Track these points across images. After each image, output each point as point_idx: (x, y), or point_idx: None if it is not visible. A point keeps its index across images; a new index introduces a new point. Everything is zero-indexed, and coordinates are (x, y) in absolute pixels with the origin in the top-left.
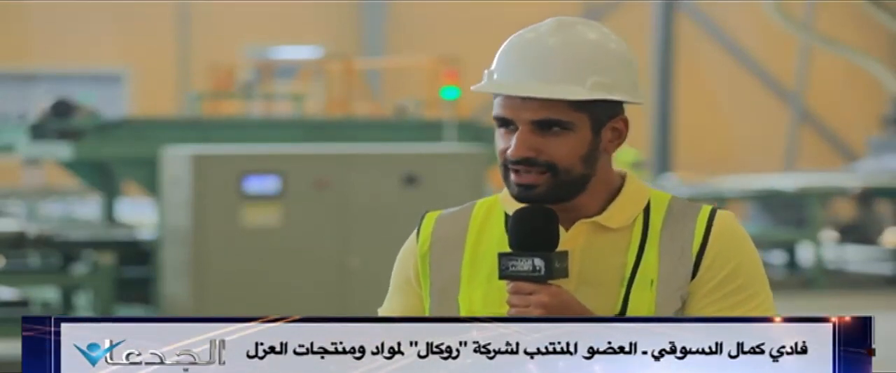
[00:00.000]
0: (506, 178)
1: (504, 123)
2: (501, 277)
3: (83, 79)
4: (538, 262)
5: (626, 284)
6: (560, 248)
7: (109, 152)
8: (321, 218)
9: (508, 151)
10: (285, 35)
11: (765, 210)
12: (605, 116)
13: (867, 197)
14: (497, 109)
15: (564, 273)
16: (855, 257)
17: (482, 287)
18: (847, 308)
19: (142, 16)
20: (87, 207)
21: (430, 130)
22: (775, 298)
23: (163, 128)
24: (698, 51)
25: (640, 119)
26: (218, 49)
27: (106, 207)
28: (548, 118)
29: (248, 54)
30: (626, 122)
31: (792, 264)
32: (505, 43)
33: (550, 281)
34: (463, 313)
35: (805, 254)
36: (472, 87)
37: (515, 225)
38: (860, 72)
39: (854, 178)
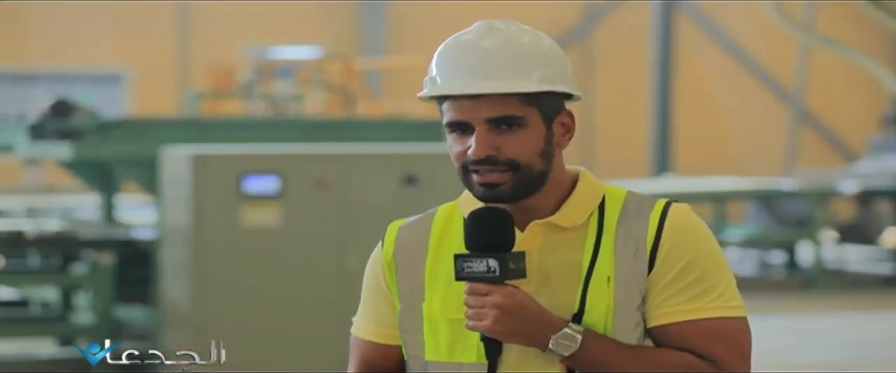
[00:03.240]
0: (467, 180)
1: (459, 126)
2: (457, 278)
3: (83, 79)
4: (492, 263)
5: (582, 282)
6: (517, 249)
7: (109, 152)
8: (321, 218)
9: (469, 152)
10: (285, 35)
11: (765, 210)
12: (552, 111)
13: (867, 197)
14: (449, 115)
15: (522, 274)
16: (855, 257)
17: (441, 292)
18: (847, 308)
19: (142, 16)
20: (87, 208)
21: (430, 130)
22: (775, 298)
23: (162, 128)
24: (698, 51)
25: (639, 118)
26: (218, 49)
27: (106, 207)
28: (503, 115)
29: (248, 54)
30: (572, 116)
31: (792, 264)
32: (439, 50)
33: (508, 281)
34: (425, 320)
35: (805, 254)
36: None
37: (470, 226)
38: (860, 72)
39: (854, 178)
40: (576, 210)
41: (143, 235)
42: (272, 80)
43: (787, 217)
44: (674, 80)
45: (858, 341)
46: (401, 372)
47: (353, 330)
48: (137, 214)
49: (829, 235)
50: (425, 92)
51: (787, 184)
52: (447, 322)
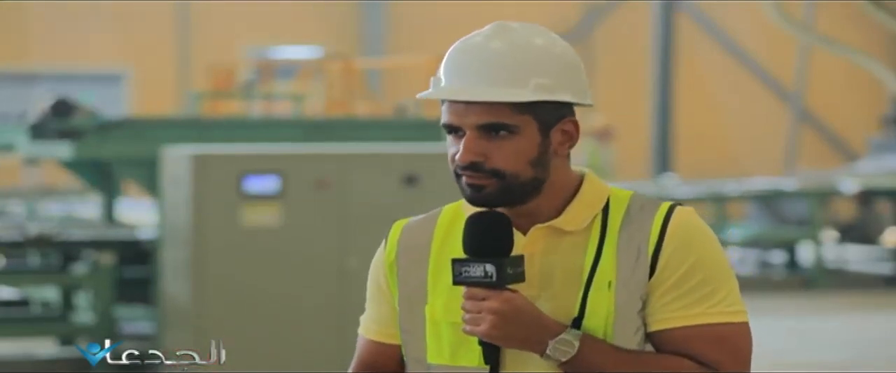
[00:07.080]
0: (458, 182)
1: (452, 129)
2: (455, 283)
3: (83, 79)
4: (490, 268)
5: (583, 287)
6: (519, 253)
7: (109, 152)
8: (321, 218)
9: (456, 157)
10: (285, 35)
11: (765, 210)
12: (552, 119)
13: (867, 197)
14: (444, 117)
15: (520, 278)
16: (855, 257)
17: (443, 295)
18: (847, 308)
19: (142, 16)
20: (87, 207)
21: (430, 130)
22: (776, 298)
23: (163, 128)
24: (698, 51)
25: (639, 119)
26: (218, 49)
27: (106, 207)
28: (492, 122)
29: (248, 54)
30: (576, 124)
31: (792, 264)
32: (449, 49)
33: (509, 286)
34: (427, 324)
35: (805, 254)
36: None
37: (467, 230)
38: (860, 72)
39: (854, 178)
40: (579, 214)
41: (143, 235)
42: (272, 80)
43: (787, 217)
44: (674, 80)
45: (859, 341)
46: (401, 372)
47: (359, 329)
48: (137, 214)
49: (829, 235)
50: (425, 92)
51: (787, 184)
52: (449, 325)
